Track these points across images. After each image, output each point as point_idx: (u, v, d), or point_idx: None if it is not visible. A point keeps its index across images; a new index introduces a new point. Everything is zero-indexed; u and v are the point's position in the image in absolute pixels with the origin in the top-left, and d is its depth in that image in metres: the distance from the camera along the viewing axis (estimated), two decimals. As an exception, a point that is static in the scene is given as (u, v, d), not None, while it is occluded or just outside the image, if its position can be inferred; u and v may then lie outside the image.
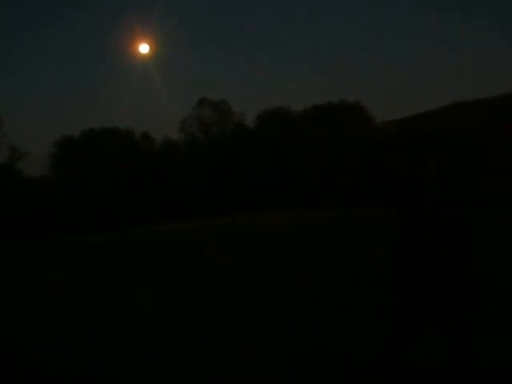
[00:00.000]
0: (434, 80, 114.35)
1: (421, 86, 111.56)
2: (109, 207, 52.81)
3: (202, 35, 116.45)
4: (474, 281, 3.79)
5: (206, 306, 8.08)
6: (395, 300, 3.85)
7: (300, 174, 53.21)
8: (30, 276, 13.26)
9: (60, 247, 21.95)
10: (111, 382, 4.71)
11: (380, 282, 8.60)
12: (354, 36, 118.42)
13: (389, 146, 46.18)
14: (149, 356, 5.41)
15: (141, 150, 60.96)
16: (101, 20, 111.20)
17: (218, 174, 55.36)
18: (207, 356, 5.30)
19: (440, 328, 3.75)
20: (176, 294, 9.39)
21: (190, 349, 5.61)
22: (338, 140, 53.78)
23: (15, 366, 5.39)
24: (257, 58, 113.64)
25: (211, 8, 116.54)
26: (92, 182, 56.45)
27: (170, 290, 9.90)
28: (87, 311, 8.04)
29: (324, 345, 5.54)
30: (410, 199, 3.97)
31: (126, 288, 10.48)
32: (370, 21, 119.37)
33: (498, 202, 30.42)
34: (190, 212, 46.63)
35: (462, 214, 3.86)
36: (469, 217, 3.82)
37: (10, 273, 14.59)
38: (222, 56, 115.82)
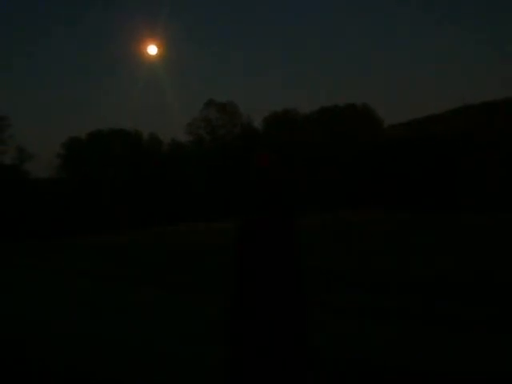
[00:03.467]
0: (442, 83, 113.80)
1: (428, 88, 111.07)
2: (115, 208, 52.96)
3: (209, 37, 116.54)
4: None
5: (207, 306, 8.07)
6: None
7: (307, 176, 53.15)
8: (32, 277, 13.29)
9: (66, 248, 22.02)
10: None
11: (380, 282, 8.58)
12: (361, 38, 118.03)
13: (396, 148, 46.05)
14: (149, 359, 5.40)
15: (148, 152, 61.13)
16: (109, 21, 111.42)
17: (225, 175, 55.41)
18: (206, 357, 5.30)
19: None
20: (177, 296, 9.38)
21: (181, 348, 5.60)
22: (344, 142, 53.73)
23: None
24: (264, 59, 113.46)
25: (219, 10, 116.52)
26: (99, 184, 56.64)
27: (172, 291, 9.89)
28: (87, 311, 8.05)
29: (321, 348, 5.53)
30: (257, 208, 3.39)
31: (128, 289, 10.48)
32: (376, 23, 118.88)
33: (501, 205, 30.27)
34: (197, 214, 46.68)
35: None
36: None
37: (16, 274, 14.61)
38: (229, 58, 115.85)
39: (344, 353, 5.28)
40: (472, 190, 36.76)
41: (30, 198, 52.00)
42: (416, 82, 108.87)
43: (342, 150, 52.73)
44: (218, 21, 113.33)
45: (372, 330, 6.27)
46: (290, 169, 45.66)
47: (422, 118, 59.55)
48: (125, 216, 49.99)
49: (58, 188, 56.41)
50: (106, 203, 53.79)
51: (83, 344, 6.02)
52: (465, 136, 41.24)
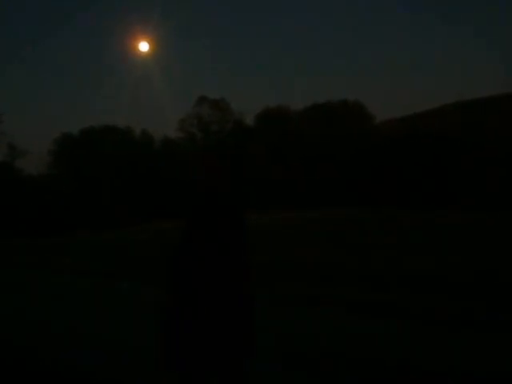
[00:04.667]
0: (434, 79, 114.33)
1: (421, 85, 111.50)
2: (108, 205, 52.73)
3: (201, 34, 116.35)
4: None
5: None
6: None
7: (299, 173, 53.16)
8: (28, 276, 13.21)
9: (59, 246, 21.88)
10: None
11: (380, 281, 8.62)
12: (354, 35, 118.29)
13: (391, 145, 46.08)
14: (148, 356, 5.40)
15: (140, 149, 60.86)
16: (101, 18, 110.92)
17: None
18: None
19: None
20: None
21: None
22: (337, 139, 53.76)
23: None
24: (256, 56, 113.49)
25: (211, 7, 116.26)
26: (91, 180, 56.34)
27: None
28: (86, 311, 8.04)
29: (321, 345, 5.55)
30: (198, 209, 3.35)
31: (125, 287, 10.45)
32: (370, 19, 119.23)
33: (497, 202, 30.43)
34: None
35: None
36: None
37: (15, 274, 14.51)
38: (221, 54, 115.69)
39: (343, 351, 5.30)
40: (470, 187, 36.92)
41: (22, 195, 51.61)
42: (409, 79, 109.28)
43: (336, 147, 52.76)
44: (210, 18, 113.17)
45: (371, 327, 6.31)
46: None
47: (413, 114, 59.77)
48: (122, 213, 49.76)
49: (51, 185, 56.06)
50: (102, 200, 53.53)
51: (85, 345, 6.01)
52: (461, 132, 41.37)
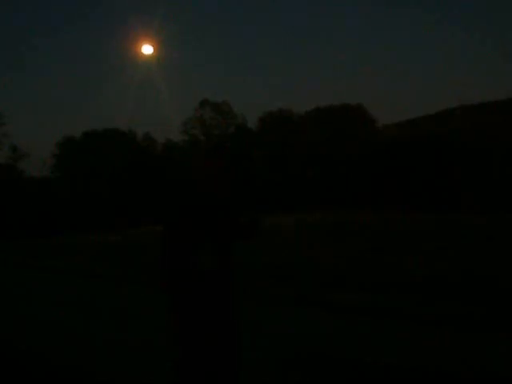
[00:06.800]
0: (437, 83, 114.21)
1: (423, 88, 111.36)
2: (110, 208, 52.79)
3: (204, 37, 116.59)
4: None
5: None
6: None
7: (301, 176, 53.19)
8: (29, 277, 13.24)
9: (61, 248, 21.91)
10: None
11: (380, 283, 8.61)
12: (356, 38, 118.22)
13: (394, 148, 46.01)
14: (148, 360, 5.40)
15: (142, 152, 60.92)
16: (103, 21, 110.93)
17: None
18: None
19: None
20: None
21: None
22: (339, 142, 53.79)
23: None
24: (258, 59, 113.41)
25: (214, 10, 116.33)
26: (93, 183, 56.43)
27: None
28: (86, 312, 8.05)
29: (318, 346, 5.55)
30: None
31: (126, 290, 10.46)
32: (372, 22, 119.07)
33: (499, 206, 30.43)
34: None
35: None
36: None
37: (10, 274, 14.54)
38: (223, 57, 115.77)
39: (341, 352, 5.30)
40: (471, 190, 36.92)
41: (24, 197, 51.71)
42: (409, 82, 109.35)
43: (338, 150, 52.77)
44: (213, 21, 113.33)
45: (370, 329, 6.31)
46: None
47: (415, 118, 59.74)
48: (123, 215, 49.80)
49: (53, 187, 56.15)
50: (100, 203, 53.60)
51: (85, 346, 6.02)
52: (462, 136, 41.36)
